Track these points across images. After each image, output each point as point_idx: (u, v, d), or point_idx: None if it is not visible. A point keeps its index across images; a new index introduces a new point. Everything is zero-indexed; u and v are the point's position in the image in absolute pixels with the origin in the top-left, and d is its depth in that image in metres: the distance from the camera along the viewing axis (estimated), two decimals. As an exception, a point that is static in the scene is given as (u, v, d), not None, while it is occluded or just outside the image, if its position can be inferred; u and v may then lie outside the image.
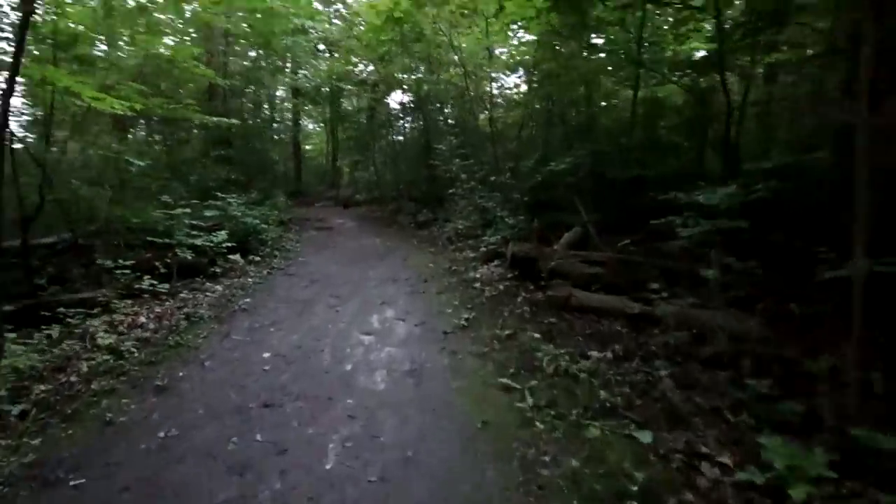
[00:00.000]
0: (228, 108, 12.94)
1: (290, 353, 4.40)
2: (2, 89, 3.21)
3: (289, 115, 23.81)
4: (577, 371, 3.85)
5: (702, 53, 9.63)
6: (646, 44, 8.97)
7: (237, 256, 7.29)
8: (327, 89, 17.40)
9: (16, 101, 7.42)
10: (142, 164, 6.33)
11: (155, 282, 5.47)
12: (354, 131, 19.94)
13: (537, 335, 4.66)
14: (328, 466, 2.88)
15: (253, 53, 15.64)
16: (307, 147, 29.61)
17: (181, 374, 3.92)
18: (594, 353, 4.21)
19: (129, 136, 8.54)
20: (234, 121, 9.05)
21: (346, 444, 3.08)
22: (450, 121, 14.54)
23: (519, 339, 4.61)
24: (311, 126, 29.37)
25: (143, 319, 4.83)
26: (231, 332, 4.84)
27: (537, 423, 3.24)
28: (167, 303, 5.44)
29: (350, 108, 21.70)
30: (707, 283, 4.86)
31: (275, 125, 23.09)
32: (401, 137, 17.17)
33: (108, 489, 2.65)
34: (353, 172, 22.09)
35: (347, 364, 4.21)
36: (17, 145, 5.51)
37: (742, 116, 8.10)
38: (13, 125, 7.76)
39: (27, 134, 7.34)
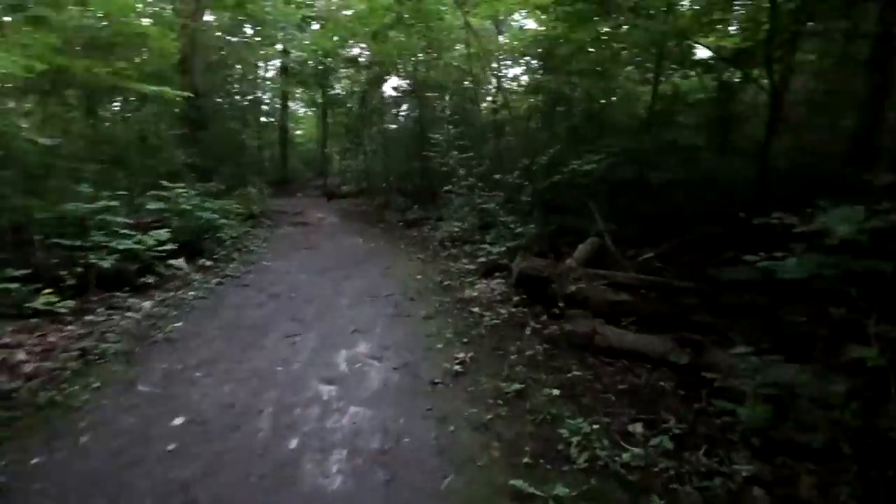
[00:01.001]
0: (204, 84, 11.56)
1: (213, 419, 3.14)
2: None
3: (276, 97, 22.35)
4: (622, 467, 2.63)
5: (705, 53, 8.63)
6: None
7: (181, 261, 5.99)
8: (315, 67, 15.95)
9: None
10: (47, 142, 4.98)
11: (55, 298, 4.17)
12: (345, 117, 18.64)
13: (556, 391, 3.45)
14: None
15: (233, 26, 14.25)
16: (298, 132, 28.24)
17: (34, 461, 2.63)
18: (639, 430, 3.01)
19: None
20: (182, 93, 7.66)
21: None
22: (447, 110, 13.27)
23: (532, 399, 3.39)
24: (301, 110, 27.96)
25: (21, 357, 3.55)
26: (139, 380, 3.56)
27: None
28: (69, 327, 4.15)
29: (342, 91, 20.36)
30: (792, 329, 3.72)
31: (263, 107, 21.70)
32: (394, 126, 15.86)
33: None
34: (341, 161, 20.77)
35: (292, 438, 2.96)
36: None
37: (776, 117, 7.03)
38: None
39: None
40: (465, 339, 4.41)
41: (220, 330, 4.58)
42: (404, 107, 15.42)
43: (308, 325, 4.76)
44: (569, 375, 3.69)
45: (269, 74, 21.35)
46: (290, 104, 25.08)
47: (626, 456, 2.67)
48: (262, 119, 21.45)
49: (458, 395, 3.50)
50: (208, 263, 6.48)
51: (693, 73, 10.19)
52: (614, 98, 10.55)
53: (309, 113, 27.36)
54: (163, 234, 5.76)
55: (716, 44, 8.42)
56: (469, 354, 4.07)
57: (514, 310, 4.99)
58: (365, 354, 4.16)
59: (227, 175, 10.77)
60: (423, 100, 13.02)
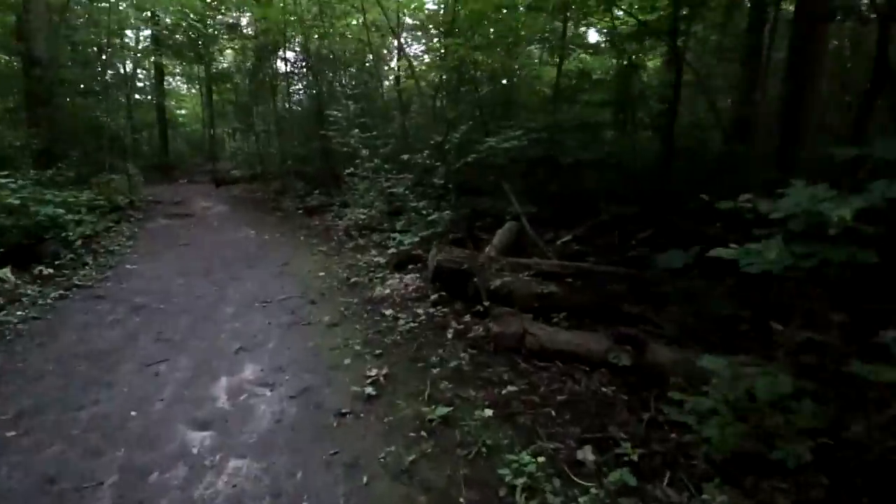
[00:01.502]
0: (47, 51, 9.48)
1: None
2: None
3: (151, 72, 19.67)
4: (580, 516, 2.15)
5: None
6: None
7: (5, 271, 4.65)
8: (189, 35, 14.01)
9: None
10: None
11: None
12: (232, 93, 16.83)
13: (489, 412, 2.92)
14: None
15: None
16: (181, 112, 25.39)
17: None
18: (590, 456, 2.56)
19: None
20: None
21: None
22: (346, 86, 12.23)
23: (462, 425, 2.82)
24: (184, 87, 25.15)
25: None
26: None
27: None
28: None
29: (228, 65, 18.36)
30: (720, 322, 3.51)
31: (138, 83, 19.11)
32: (287, 105, 14.46)
33: None
34: (231, 143, 18.87)
35: (141, 523, 2.14)
36: None
37: (679, 94, 7.15)
38: None
39: None
40: (378, 351, 3.74)
41: (53, 363, 3.49)
42: (300, 81, 14.08)
43: (179, 346, 3.81)
44: (500, 383, 3.18)
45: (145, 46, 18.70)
46: (170, 80, 22.47)
47: (583, 501, 2.19)
48: (137, 97, 18.93)
49: (372, 427, 2.84)
50: (48, 272, 5.13)
51: (592, 51, 10.25)
52: (515, 79, 10.26)
53: (193, 91, 24.73)
54: (-26, 237, 4.41)
55: (608, 26, 8.39)
56: (383, 371, 3.41)
57: (432, 309, 4.39)
58: (252, 381, 3.35)
59: (82, 160, 8.97)
60: (319, 74, 11.86)
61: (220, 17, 13.71)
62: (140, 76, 19.81)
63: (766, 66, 9.62)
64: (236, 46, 15.84)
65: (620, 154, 9.04)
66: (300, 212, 9.35)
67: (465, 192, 7.29)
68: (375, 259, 5.93)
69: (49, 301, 4.54)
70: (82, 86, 11.93)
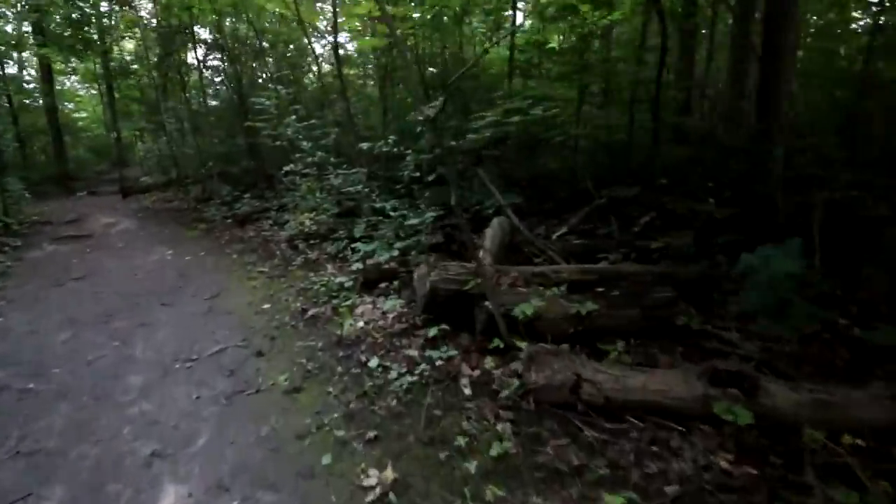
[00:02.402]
0: None
1: None
2: None
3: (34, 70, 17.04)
4: None
5: None
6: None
7: None
8: (73, 19, 11.78)
9: None
10: None
11: None
12: (136, 89, 14.67)
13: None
14: None
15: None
16: (80, 114, 22.52)
17: None
18: None
19: None
20: None
21: None
22: (270, 70, 10.58)
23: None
24: (82, 88, 22.15)
25: None
26: None
27: None
28: None
29: (129, 58, 16.01)
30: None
31: (25, 85, 16.58)
32: (202, 99, 12.53)
33: None
34: (140, 146, 16.62)
35: None
36: None
37: (664, 63, 6.46)
38: None
39: None
40: (372, 433, 2.49)
41: None
42: (216, 74, 12.18)
43: (52, 462, 2.38)
44: (569, 472, 2.05)
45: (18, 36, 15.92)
46: (63, 80, 19.63)
47: None
48: (26, 101, 16.47)
49: None
50: None
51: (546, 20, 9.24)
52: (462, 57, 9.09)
53: (93, 91, 21.78)
54: None
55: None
56: (388, 474, 2.18)
57: (432, 352, 3.16)
58: (176, 524, 2.02)
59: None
60: (237, 60, 10.13)
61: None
62: (28, 78, 17.23)
63: (711, 37, 9.05)
64: (136, 34, 13.62)
65: (596, 131, 8.18)
66: (229, 221, 7.76)
67: (431, 185, 6.09)
68: (336, 279, 4.59)
69: None
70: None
